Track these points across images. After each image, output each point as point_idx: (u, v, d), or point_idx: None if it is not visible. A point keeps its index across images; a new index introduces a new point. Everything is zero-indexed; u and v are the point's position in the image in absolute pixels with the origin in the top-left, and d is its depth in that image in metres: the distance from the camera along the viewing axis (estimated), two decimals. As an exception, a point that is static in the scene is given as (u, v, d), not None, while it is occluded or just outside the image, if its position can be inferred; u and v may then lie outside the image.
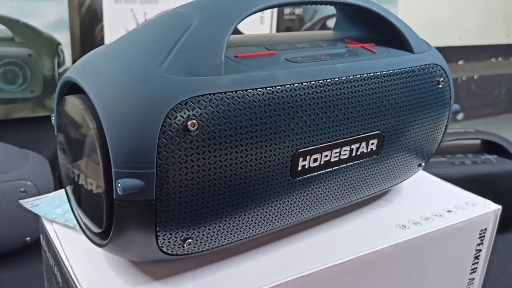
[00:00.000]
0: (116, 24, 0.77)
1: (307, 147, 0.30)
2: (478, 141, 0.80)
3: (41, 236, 0.36)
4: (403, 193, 0.42)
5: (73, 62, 0.77)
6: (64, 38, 0.76)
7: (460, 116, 1.38)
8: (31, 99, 0.75)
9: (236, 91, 0.27)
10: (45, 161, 0.64)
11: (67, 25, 0.75)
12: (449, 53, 1.31)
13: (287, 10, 0.94)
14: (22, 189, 0.58)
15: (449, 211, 0.39)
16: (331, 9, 0.98)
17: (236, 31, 0.29)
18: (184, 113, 0.25)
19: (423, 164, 0.40)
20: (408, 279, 0.37)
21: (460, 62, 1.38)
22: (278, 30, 0.92)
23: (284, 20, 0.96)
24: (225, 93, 0.26)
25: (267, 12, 0.89)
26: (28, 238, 0.58)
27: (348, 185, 0.34)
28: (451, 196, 0.42)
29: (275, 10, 0.90)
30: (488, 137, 0.78)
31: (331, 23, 0.99)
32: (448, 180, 0.69)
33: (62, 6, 0.74)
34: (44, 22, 0.74)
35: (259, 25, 0.91)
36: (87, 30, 0.82)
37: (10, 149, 0.63)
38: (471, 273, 0.41)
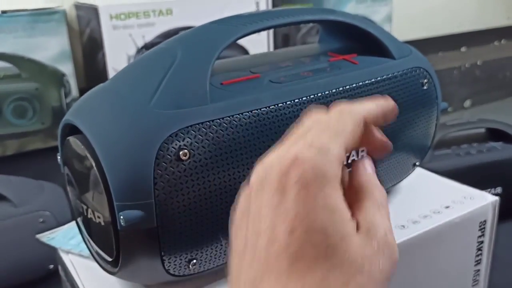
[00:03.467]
0: (117, 49, 0.80)
1: (298, 161, 0.31)
2: (483, 130, 0.80)
3: (59, 267, 0.38)
4: (401, 192, 0.43)
5: (79, 90, 0.80)
6: (68, 69, 0.78)
7: (467, 103, 1.38)
8: (42, 131, 0.78)
9: (222, 118, 0.28)
10: (60, 190, 0.66)
11: (69, 56, 0.78)
12: (450, 41, 1.31)
13: (281, 18, 0.96)
14: (41, 220, 0.61)
15: (447, 207, 0.40)
16: (326, 12, 0.99)
17: (235, 44, 0.30)
18: (176, 144, 0.27)
19: (417, 163, 0.41)
20: (414, 276, 0.39)
21: (463, 49, 1.38)
22: (275, 38, 0.93)
23: (280, 28, 0.98)
24: (212, 121, 0.28)
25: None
26: (51, 266, 0.61)
27: (343, 192, 0.35)
28: (449, 192, 0.43)
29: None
30: (492, 125, 0.78)
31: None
32: (454, 171, 0.70)
33: (63, 39, 0.77)
34: (48, 55, 0.77)
35: (256, 35, 0.93)
36: (90, 59, 0.85)
37: (27, 182, 0.66)
38: (476, 265, 0.42)
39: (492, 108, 1.36)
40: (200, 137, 0.27)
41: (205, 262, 0.30)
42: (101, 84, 0.31)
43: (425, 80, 0.38)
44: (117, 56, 0.79)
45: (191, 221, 0.28)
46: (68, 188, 0.33)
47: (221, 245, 0.30)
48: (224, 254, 0.31)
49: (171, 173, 0.27)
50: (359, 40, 0.39)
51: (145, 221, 0.27)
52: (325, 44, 0.41)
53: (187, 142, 0.27)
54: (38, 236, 0.39)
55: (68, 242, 0.37)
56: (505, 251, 0.52)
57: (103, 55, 0.80)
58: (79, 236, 0.37)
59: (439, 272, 0.40)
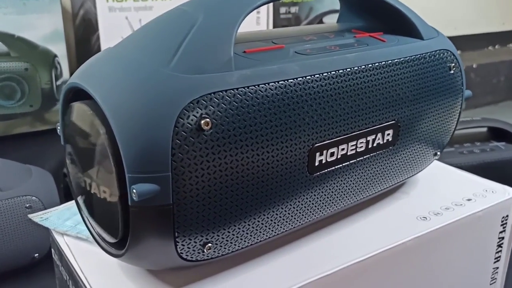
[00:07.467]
0: (112, 32, 0.77)
1: (324, 141, 0.29)
2: (485, 129, 0.79)
3: (52, 250, 0.35)
4: (419, 184, 0.41)
5: (71, 73, 0.76)
6: (60, 50, 0.75)
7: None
8: (30, 114, 0.74)
9: (248, 87, 0.26)
10: (48, 175, 0.63)
11: (62, 37, 0.74)
12: (446, 43, 1.31)
13: (282, 9, 0.93)
14: (27, 205, 0.57)
15: (469, 200, 0.38)
16: (327, 6, 0.97)
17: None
18: (197, 112, 0.24)
19: (438, 153, 0.39)
20: (431, 271, 0.36)
21: (458, 52, 1.37)
22: (275, 30, 0.91)
23: (280, 19, 0.95)
24: (237, 89, 0.25)
25: (263, 12, 0.89)
26: (36, 255, 0.57)
27: (366, 178, 0.33)
28: (469, 185, 0.41)
29: (271, 9, 0.90)
30: (495, 124, 0.77)
31: (327, 20, 0.98)
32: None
33: (56, 18, 0.73)
34: (39, 35, 0.73)
35: (255, 25, 0.90)
36: (83, 41, 0.81)
37: (13, 165, 0.62)
38: (495, 262, 0.40)
39: (486, 111, 1.35)
40: (224, 106, 0.25)
41: (221, 246, 0.27)
42: (110, 47, 0.28)
43: (452, 64, 0.36)
44: (112, 39, 0.76)
45: (210, 199, 0.25)
46: (68, 163, 0.30)
47: (238, 228, 0.27)
48: (241, 239, 0.28)
49: (191, 143, 0.24)
50: (385, 18, 0.36)
51: (160, 197, 0.24)
52: (345, 23, 0.39)
53: (210, 110, 0.24)
54: (30, 216, 0.36)
55: (64, 223, 0.34)
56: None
57: (97, 38, 0.77)
58: (76, 217, 0.34)
59: (458, 267, 0.38)
